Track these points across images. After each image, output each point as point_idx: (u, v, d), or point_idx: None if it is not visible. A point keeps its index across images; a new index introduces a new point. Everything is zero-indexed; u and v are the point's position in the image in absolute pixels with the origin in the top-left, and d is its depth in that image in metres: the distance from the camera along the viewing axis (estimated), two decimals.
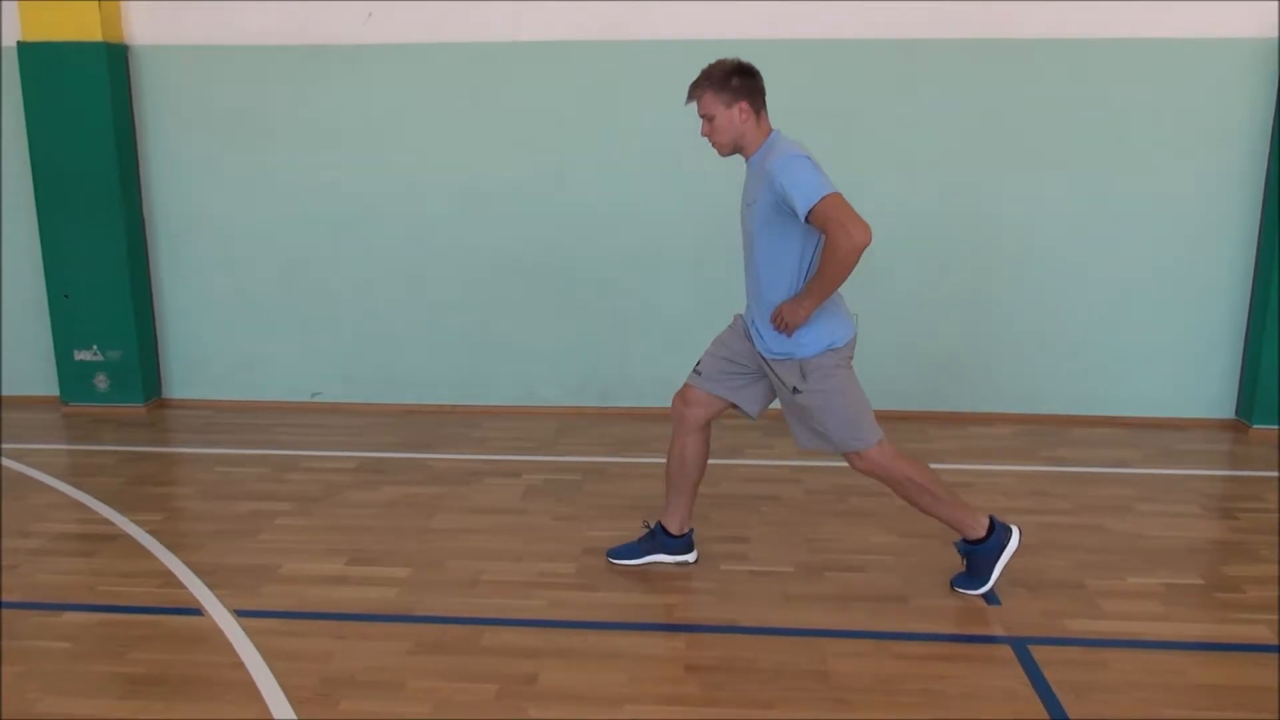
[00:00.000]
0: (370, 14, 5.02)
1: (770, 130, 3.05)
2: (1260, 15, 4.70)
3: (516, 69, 5.05)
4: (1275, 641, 3.00)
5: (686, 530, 3.51)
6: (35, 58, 5.00)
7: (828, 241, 2.82)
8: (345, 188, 5.26)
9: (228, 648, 2.93)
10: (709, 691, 2.72)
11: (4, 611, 3.15)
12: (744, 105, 2.98)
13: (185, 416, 5.43)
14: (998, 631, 3.07)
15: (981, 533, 3.22)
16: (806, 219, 2.82)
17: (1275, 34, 4.70)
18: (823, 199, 2.79)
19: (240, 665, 2.83)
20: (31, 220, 5.26)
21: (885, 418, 5.15)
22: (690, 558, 3.53)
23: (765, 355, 3.13)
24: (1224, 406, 5.19)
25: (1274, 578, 3.43)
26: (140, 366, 5.39)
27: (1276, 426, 4.98)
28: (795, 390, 3.07)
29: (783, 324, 3.00)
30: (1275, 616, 3.15)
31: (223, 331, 5.49)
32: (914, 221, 5.04)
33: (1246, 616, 3.16)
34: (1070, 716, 2.61)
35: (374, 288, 5.38)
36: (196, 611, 3.17)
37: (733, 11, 4.87)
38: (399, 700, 2.66)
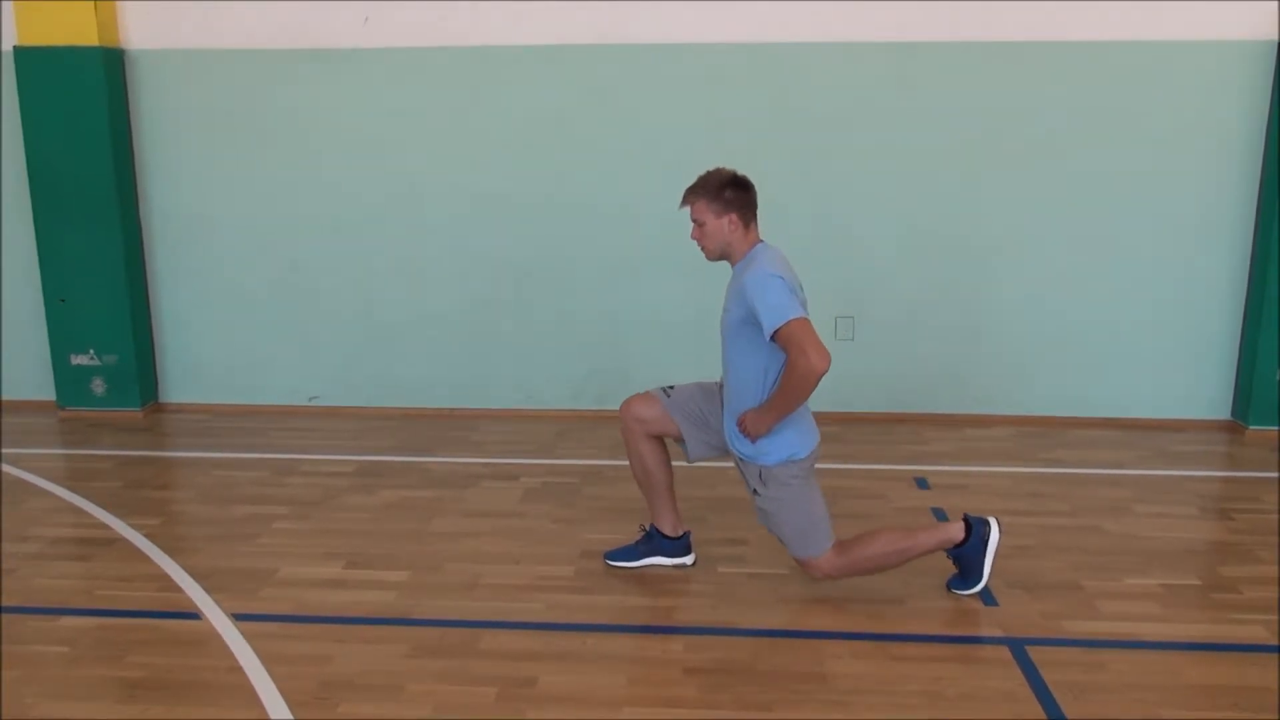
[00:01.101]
0: (367, 18, 5.02)
1: (756, 242, 3.15)
2: (1257, 17, 4.72)
3: (515, 72, 5.05)
4: (1272, 642, 3.01)
5: (682, 532, 3.52)
6: (31, 62, 5.00)
7: (788, 363, 2.93)
8: (343, 191, 5.26)
9: (226, 651, 2.93)
10: (707, 694, 2.72)
11: (2, 616, 3.14)
12: (734, 217, 3.08)
13: (182, 420, 5.43)
14: (995, 633, 3.08)
15: (961, 537, 3.23)
16: (771, 338, 2.92)
17: (1271, 36, 4.72)
18: (787, 323, 2.88)
19: (238, 669, 2.83)
20: (28, 224, 5.26)
21: (883, 420, 5.18)
22: (688, 560, 3.54)
23: (732, 451, 3.23)
24: (1220, 408, 5.20)
25: (1270, 578, 3.44)
26: (137, 370, 5.38)
27: (1272, 428, 4.99)
28: (755, 492, 3.20)
29: (745, 432, 3.11)
30: (1272, 617, 3.16)
31: (220, 335, 5.49)
32: (911, 224, 5.05)
33: (1243, 617, 3.17)
34: (1068, 717, 2.62)
35: (372, 291, 5.38)
36: (194, 615, 3.17)
37: (729, 15, 4.87)
38: (397, 703, 2.66)
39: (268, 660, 2.86)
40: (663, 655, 2.95)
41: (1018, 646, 2.98)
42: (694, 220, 3.14)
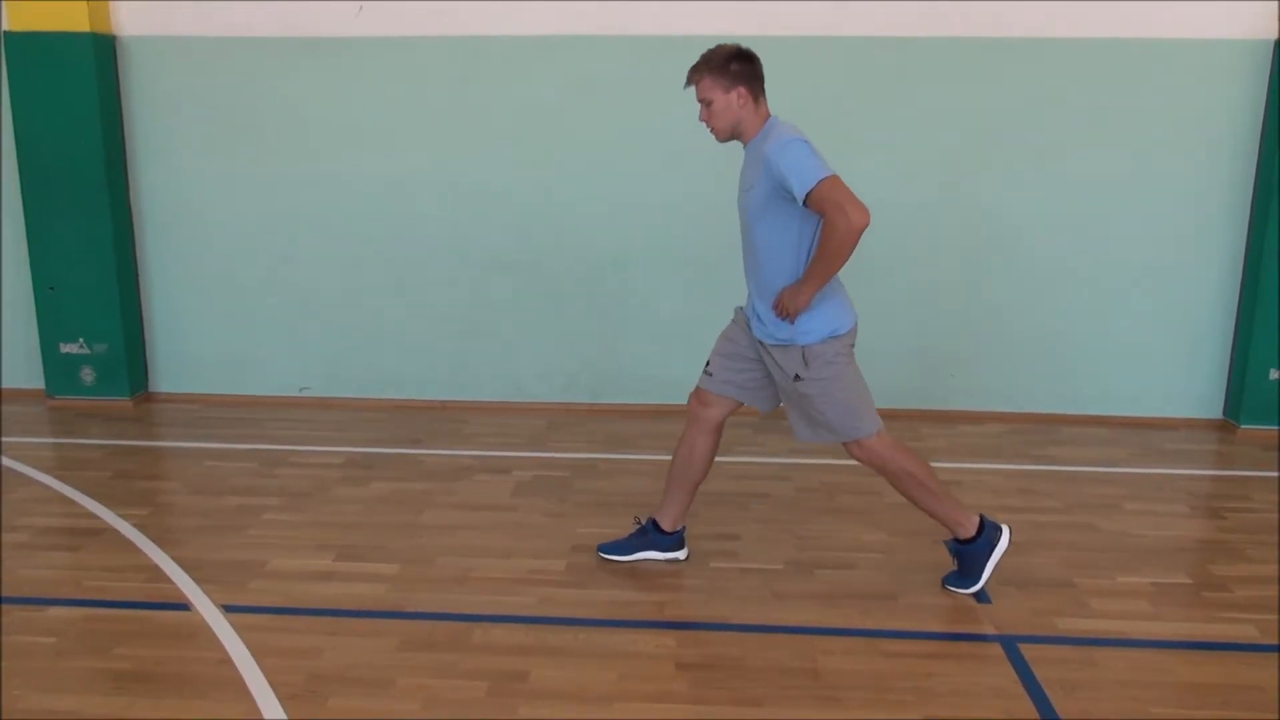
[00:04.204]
0: (361, 8, 4.99)
1: (768, 116, 3.04)
2: (1254, 16, 4.71)
3: (508, 64, 5.02)
4: (1262, 641, 3.02)
5: (679, 528, 3.51)
6: (21, 48, 4.95)
7: (826, 224, 2.81)
8: (336, 181, 5.22)
9: (215, 643, 2.91)
10: (699, 689, 2.72)
11: (1, 606, 3.12)
12: (742, 90, 2.97)
13: (172, 411, 5.39)
14: (988, 630, 3.08)
15: (972, 532, 3.22)
16: (804, 202, 2.82)
17: (1269, 35, 4.72)
18: (820, 182, 2.78)
19: (228, 661, 2.81)
20: (17, 212, 5.22)
21: (881, 415, 5.15)
22: (680, 555, 3.53)
23: (766, 342, 3.11)
24: (1212, 406, 5.21)
25: (1261, 577, 3.44)
26: (126, 360, 5.34)
27: (1263, 426, 5.00)
28: (797, 378, 3.05)
29: (784, 311, 2.99)
30: (1262, 616, 3.16)
31: (210, 325, 5.45)
32: (905, 220, 5.03)
33: (1234, 616, 3.18)
34: (1060, 715, 2.62)
35: (364, 282, 5.35)
36: (184, 607, 3.15)
37: (723, 8, 4.85)
38: (388, 698, 2.65)
39: (257, 652, 2.84)
40: (655, 650, 2.94)
41: (1010, 644, 2.98)
42: (701, 100, 3.01)
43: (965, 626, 3.11)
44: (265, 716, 2.55)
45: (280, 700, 2.61)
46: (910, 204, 5.03)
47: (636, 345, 5.29)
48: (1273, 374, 4.95)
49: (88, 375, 5.36)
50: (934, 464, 4.46)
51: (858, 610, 3.18)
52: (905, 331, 5.16)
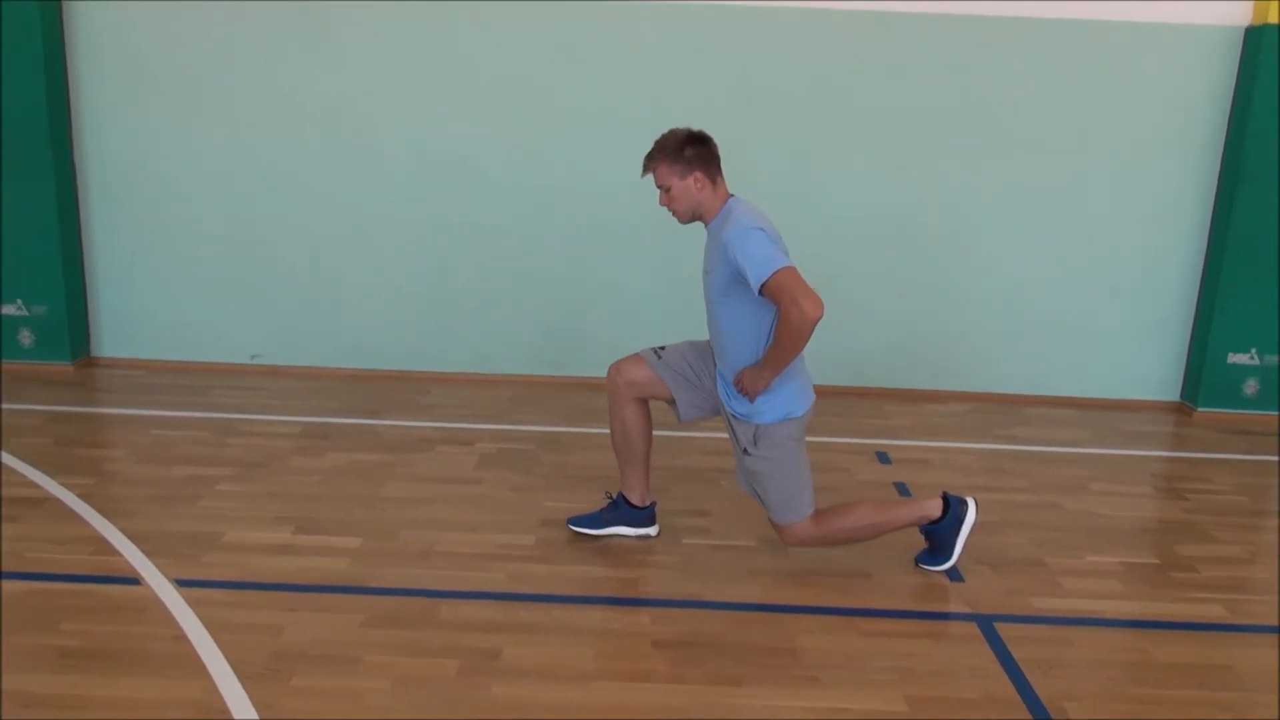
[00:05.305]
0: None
1: (727, 196, 3.03)
2: (1227, 3, 4.72)
3: (482, 32, 4.86)
4: (1231, 621, 3.04)
5: (649, 502, 3.44)
6: None
7: (780, 315, 2.82)
8: (293, 145, 5.03)
9: (168, 619, 2.77)
10: (677, 668, 2.65)
11: None
12: (699, 175, 2.97)
13: (115, 376, 5.17)
14: (963, 609, 3.06)
15: (938, 514, 3.20)
16: (760, 292, 2.81)
17: (1240, 22, 4.73)
18: (774, 273, 2.77)
19: (183, 638, 2.68)
20: None
21: (844, 394, 5.14)
22: (652, 531, 3.46)
23: (727, 410, 3.13)
24: (1170, 390, 5.28)
25: (1225, 558, 3.48)
26: (68, 323, 5.11)
27: (1220, 410, 5.08)
28: (745, 452, 3.09)
29: (743, 390, 3.01)
30: (1229, 596, 3.19)
31: (159, 289, 5.24)
32: (874, 202, 5.00)
33: (1202, 596, 3.20)
34: (1039, 695, 2.60)
35: (321, 248, 5.17)
36: (133, 581, 3.00)
37: None
38: (355, 675, 2.54)
39: (214, 629, 2.71)
40: (630, 628, 2.87)
41: (986, 623, 2.96)
42: (659, 186, 3.03)
43: (941, 605, 3.09)
44: (225, 695, 2.42)
45: (240, 679, 2.49)
46: (880, 187, 4.99)
47: (603, 319, 5.20)
48: (1230, 358, 5.02)
49: (26, 338, 5.12)
50: (903, 442, 4.51)
51: (833, 589, 3.14)
52: (872, 311, 5.13)
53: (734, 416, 3.11)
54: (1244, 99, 4.73)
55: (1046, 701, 2.56)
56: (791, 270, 2.79)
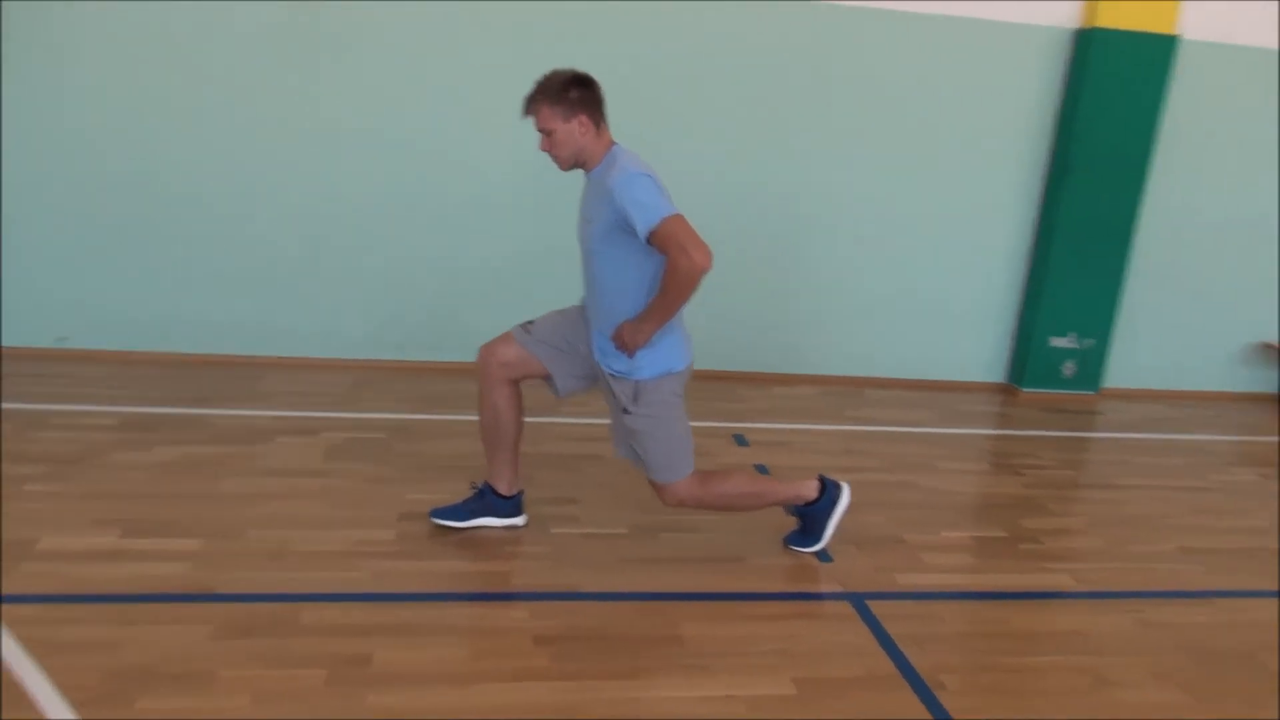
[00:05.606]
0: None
1: (611, 143, 2.89)
2: (1058, 5, 4.98)
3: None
4: (1078, 589, 3.21)
5: (517, 491, 3.30)
6: None
7: (668, 264, 2.71)
8: (118, 95, 4.52)
9: None
10: (562, 664, 2.54)
11: None
12: (584, 118, 2.80)
13: None
14: (835, 588, 3.09)
15: (814, 495, 3.23)
16: (648, 240, 2.70)
17: (1070, 24, 5.01)
18: (663, 220, 2.66)
19: None
20: None
21: (697, 377, 5.12)
22: (519, 521, 3.33)
23: (604, 370, 3.00)
24: (996, 371, 5.58)
25: (1065, 529, 3.69)
26: None
27: (1043, 390, 5.41)
28: (626, 410, 2.97)
29: (623, 345, 2.89)
30: (1073, 565, 3.38)
31: None
32: (721, 187, 5.00)
33: (1049, 566, 3.37)
34: (916, 668, 2.65)
35: (134, 216, 4.69)
36: None
37: None
38: (210, 694, 2.29)
39: (38, 650, 2.38)
40: (508, 624, 2.73)
41: (858, 600, 3.01)
42: (541, 130, 2.83)
43: (814, 586, 3.12)
44: None
45: (73, 705, 2.19)
46: (726, 171, 5.00)
47: (449, 300, 4.98)
48: (1052, 342, 5.35)
49: None
50: (761, 425, 4.55)
51: (708, 573, 3.12)
52: (724, 296, 5.12)
53: (612, 376, 2.97)
54: (1072, 97, 5.03)
55: (925, 675, 2.62)
56: (680, 218, 2.69)
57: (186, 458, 3.69)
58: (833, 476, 3.32)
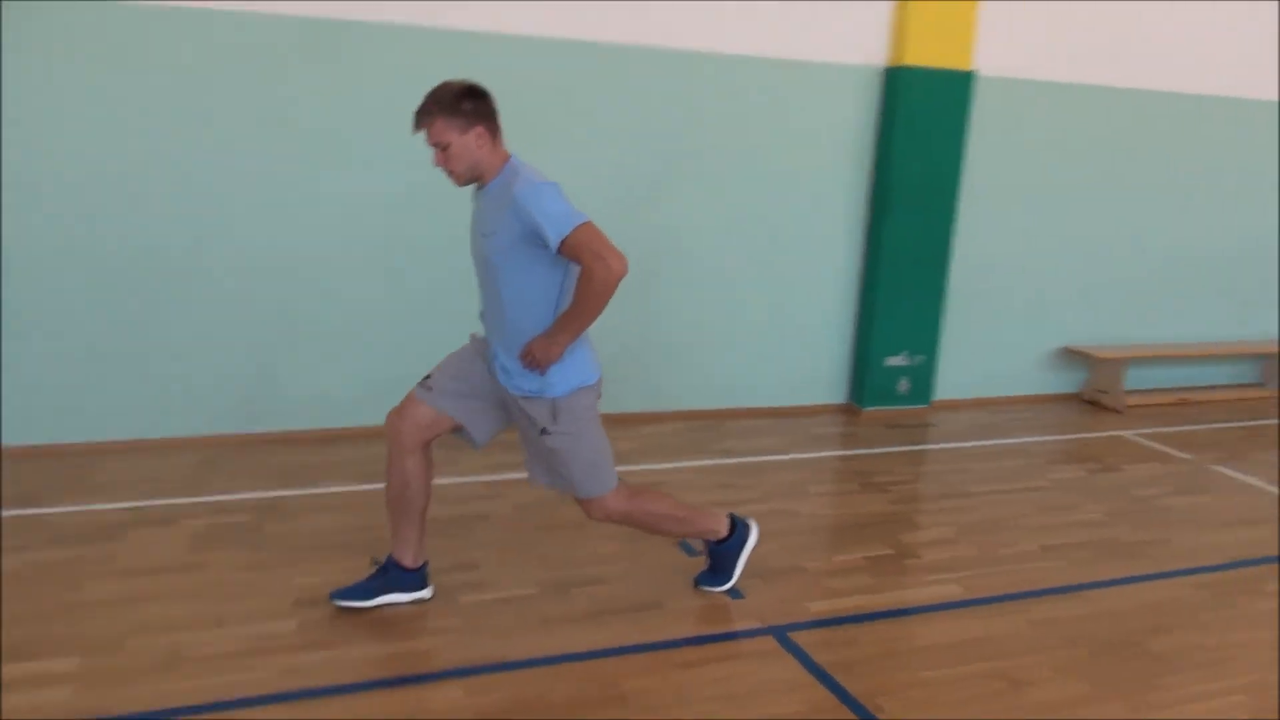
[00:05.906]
0: None
1: (508, 155, 2.86)
2: (869, 45, 5.35)
3: (152, 31, 4.21)
4: (968, 597, 3.42)
5: (422, 562, 3.17)
6: None
7: (584, 273, 2.69)
8: None
9: None
10: None
11: None
12: (480, 130, 2.76)
13: None
14: (755, 624, 3.15)
15: (725, 532, 3.29)
16: (559, 249, 2.68)
17: (879, 63, 5.39)
18: (575, 229, 2.66)
19: None
20: None
21: None
22: (425, 594, 3.20)
23: (513, 394, 2.92)
24: (838, 392, 5.87)
25: (939, 540, 3.92)
26: None
27: (882, 408, 5.74)
28: (544, 431, 2.91)
29: (534, 362, 2.83)
30: (958, 574, 3.59)
31: None
32: None
33: (938, 578, 3.57)
34: (853, 694, 2.74)
35: None
36: None
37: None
38: None
39: None
40: (444, 706, 2.61)
41: (780, 634, 3.08)
42: (435, 144, 2.75)
43: (734, 624, 3.16)
44: None
45: None
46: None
47: (298, 361, 4.71)
48: (887, 361, 5.70)
49: None
50: (631, 467, 4.58)
51: (631, 624, 3.10)
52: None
53: (525, 398, 2.89)
54: (886, 131, 5.41)
55: (863, 700, 2.72)
56: (592, 225, 2.67)
57: (33, 566, 3.31)
58: (751, 519, 3.40)
